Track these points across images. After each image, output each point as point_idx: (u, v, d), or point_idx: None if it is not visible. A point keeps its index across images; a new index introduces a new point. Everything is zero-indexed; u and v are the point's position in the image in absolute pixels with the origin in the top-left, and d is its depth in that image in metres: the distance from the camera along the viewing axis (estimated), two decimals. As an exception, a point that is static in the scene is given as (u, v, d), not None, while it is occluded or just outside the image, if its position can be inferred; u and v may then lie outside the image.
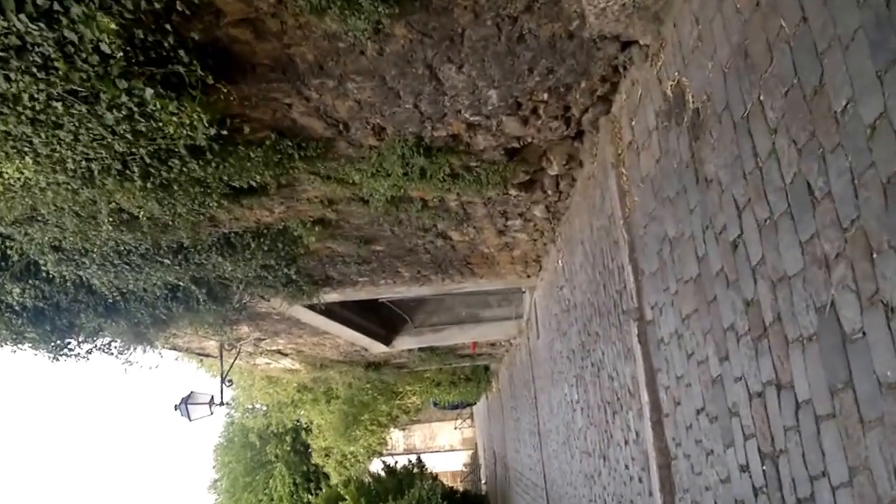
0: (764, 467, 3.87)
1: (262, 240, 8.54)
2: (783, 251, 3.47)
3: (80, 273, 8.67)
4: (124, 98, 4.43)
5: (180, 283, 9.70)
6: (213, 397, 14.23)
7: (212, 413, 14.16)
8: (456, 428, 46.20)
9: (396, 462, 28.12)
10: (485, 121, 5.92)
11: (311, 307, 12.75)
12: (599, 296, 7.14)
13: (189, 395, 14.11)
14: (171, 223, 7.29)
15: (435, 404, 36.08)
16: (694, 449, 4.90)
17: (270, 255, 8.72)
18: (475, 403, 36.52)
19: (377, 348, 16.75)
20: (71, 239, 7.35)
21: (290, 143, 5.92)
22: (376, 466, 29.05)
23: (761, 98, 3.52)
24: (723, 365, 4.31)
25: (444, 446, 46.42)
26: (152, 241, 8.13)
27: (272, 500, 35.51)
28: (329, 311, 13.66)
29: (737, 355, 4.11)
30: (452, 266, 10.77)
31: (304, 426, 33.16)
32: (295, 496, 35.04)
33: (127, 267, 8.67)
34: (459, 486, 31.85)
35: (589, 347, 8.03)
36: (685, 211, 4.66)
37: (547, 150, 7.06)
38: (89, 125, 4.73)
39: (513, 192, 7.82)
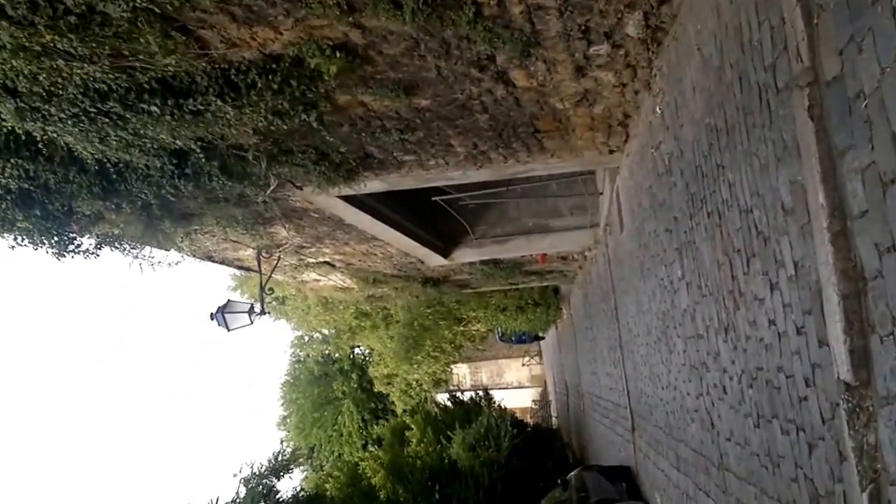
0: None
1: (270, 77, 6.44)
2: None
3: (51, 129, 6.77)
4: None
5: (184, 151, 7.75)
6: (252, 306, 12.43)
7: (252, 322, 12.37)
8: (524, 364, 44.36)
9: (463, 395, 26.63)
10: None
11: (353, 201, 10.72)
12: (729, 104, 4.87)
13: (226, 304, 12.36)
14: (132, 26, 5.29)
15: (501, 337, 34.17)
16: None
17: (282, 97, 6.61)
18: (543, 337, 34.46)
19: (434, 260, 14.69)
20: (16, 66, 5.47)
21: None
22: (443, 399, 27.66)
23: None
24: None
25: (511, 383, 44.63)
26: (126, 77, 6.14)
27: (342, 435, 35.39)
28: (377, 212, 11.63)
29: None
30: (516, 134, 8.52)
31: (369, 361, 32.10)
32: (364, 431, 34.63)
33: (108, 122, 6.72)
34: (530, 421, 30.06)
35: (703, 195, 5.81)
36: None
37: None
38: None
39: (599, -15, 5.52)
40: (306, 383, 36.33)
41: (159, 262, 10.30)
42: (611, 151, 9.28)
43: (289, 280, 15.48)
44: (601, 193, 12.42)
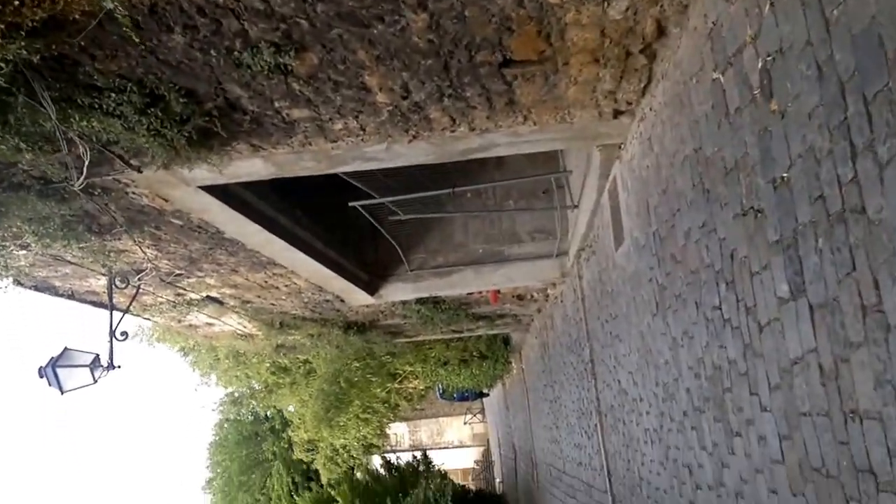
0: None
1: None
2: None
3: None
4: None
5: None
6: (97, 357, 8.35)
7: (95, 381, 8.32)
8: (466, 423, 40.27)
9: (399, 458, 22.63)
10: None
11: (231, 201, 6.98)
12: None
13: (62, 354, 8.24)
14: None
15: (441, 395, 30.15)
16: None
17: None
18: (487, 394, 30.55)
19: (358, 298, 10.87)
20: None
21: None
22: (377, 463, 23.64)
23: None
24: None
25: (452, 442, 40.46)
26: None
27: (270, 500, 31.57)
28: (271, 223, 7.89)
29: None
30: (473, 68, 4.90)
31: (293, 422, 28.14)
32: (294, 496, 30.51)
33: None
34: (471, 485, 26.07)
35: None
36: None
37: None
38: None
39: None
40: (234, 444, 32.48)
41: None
42: (616, 114, 5.70)
43: (172, 324, 11.43)
44: (576, 206, 8.83)
